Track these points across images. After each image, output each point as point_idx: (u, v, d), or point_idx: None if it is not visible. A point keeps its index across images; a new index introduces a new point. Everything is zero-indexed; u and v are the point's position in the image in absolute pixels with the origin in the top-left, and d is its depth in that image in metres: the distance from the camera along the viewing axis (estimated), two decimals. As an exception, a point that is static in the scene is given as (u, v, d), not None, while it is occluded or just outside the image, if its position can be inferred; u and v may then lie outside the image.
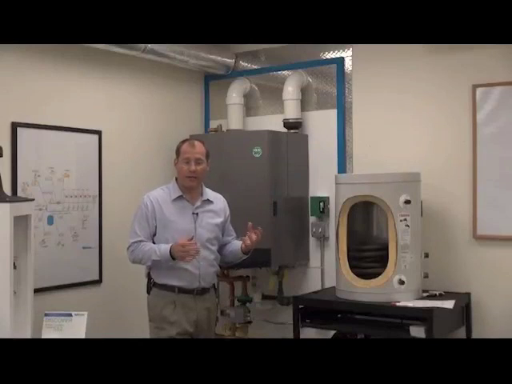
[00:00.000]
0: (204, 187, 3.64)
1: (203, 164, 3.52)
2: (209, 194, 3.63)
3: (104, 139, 4.62)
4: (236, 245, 3.62)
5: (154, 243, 3.49)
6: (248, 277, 5.01)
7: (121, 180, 4.74)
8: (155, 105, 5.06)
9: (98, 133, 4.58)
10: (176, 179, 3.60)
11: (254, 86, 5.27)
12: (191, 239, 3.35)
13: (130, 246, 3.49)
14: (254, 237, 3.50)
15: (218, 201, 3.66)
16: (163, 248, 3.40)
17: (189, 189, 3.52)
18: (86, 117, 4.53)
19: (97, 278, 4.53)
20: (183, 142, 3.61)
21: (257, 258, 4.18)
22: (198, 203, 3.55)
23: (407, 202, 4.01)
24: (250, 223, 3.52)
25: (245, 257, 3.62)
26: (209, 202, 3.59)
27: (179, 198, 3.53)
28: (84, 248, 4.45)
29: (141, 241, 3.46)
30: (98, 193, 4.55)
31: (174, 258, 3.37)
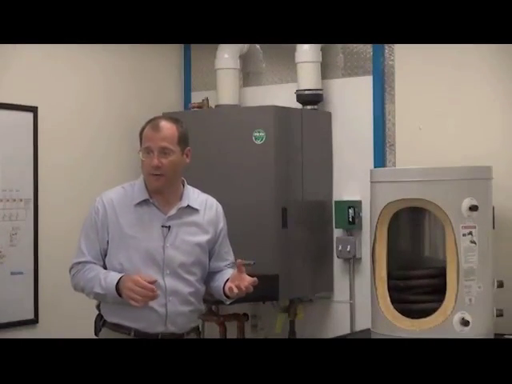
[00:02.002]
0: (187, 187, 3.53)
1: (173, 155, 3.36)
2: (193, 197, 3.51)
3: (41, 119, 4.60)
4: (225, 278, 3.48)
5: (105, 267, 3.42)
6: (246, 315, 4.99)
7: (66, 178, 4.72)
8: (117, 71, 5.04)
9: (33, 110, 4.57)
10: None
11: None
12: (153, 282, 3.23)
13: (71, 268, 3.43)
14: (242, 286, 3.32)
15: (208, 208, 3.54)
16: (110, 278, 3.30)
17: (156, 190, 3.43)
18: (16, 87, 4.51)
19: (31, 316, 4.53)
20: (147, 123, 3.47)
21: (259, 288, 4.12)
22: (173, 211, 3.40)
23: (473, 208, 4.01)
24: (239, 260, 3.38)
25: (228, 301, 3.51)
26: (191, 209, 3.47)
27: (145, 202, 3.43)
28: (13, 274, 4.44)
29: (86, 262, 3.38)
30: (32, 195, 4.54)
31: (121, 296, 3.27)
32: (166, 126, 3.37)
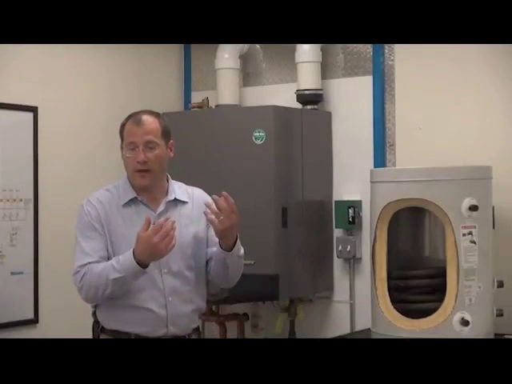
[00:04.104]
0: (171, 182, 3.41)
1: (158, 149, 3.26)
2: (179, 191, 3.42)
3: (41, 119, 4.61)
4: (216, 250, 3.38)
5: None
6: (246, 315, 4.99)
7: (66, 177, 4.73)
8: (117, 71, 5.05)
9: (33, 110, 4.58)
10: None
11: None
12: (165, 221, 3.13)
13: (76, 273, 3.22)
14: (223, 209, 3.14)
15: (196, 199, 3.46)
16: (123, 258, 3.16)
17: (143, 187, 3.34)
18: (16, 87, 4.51)
19: (31, 316, 4.54)
20: (127, 118, 3.38)
21: (259, 287, 4.13)
22: (162, 207, 3.33)
23: (473, 208, 4.01)
24: (224, 193, 3.21)
25: (231, 256, 3.29)
26: (179, 202, 3.41)
27: (133, 201, 3.31)
28: (13, 274, 4.45)
29: (92, 263, 3.22)
30: (32, 195, 4.55)
31: (143, 266, 3.15)
32: (149, 120, 3.27)
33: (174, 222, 3.13)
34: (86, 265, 3.23)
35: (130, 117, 3.31)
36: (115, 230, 3.28)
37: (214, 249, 3.41)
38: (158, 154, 3.26)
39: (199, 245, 3.40)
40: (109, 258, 3.28)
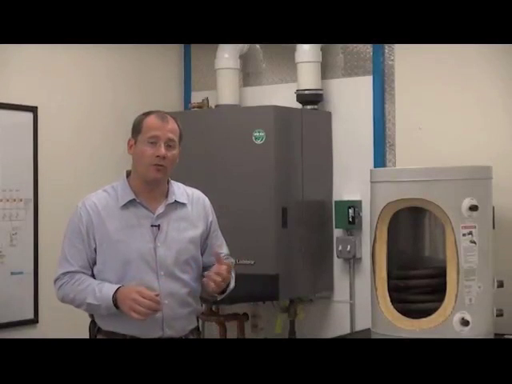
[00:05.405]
0: (172, 183, 3.39)
1: (176, 149, 3.28)
2: (179, 192, 3.39)
3: (41, 119, 4.62)
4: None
5: (93, 276, 3.30)
6: (246, 315, 5.00)
7: (65, 177, 4.74)
8: (117, 71, 5.07)
9: (33, 110, 4.58)
10: (127, 175, 3.36)
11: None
12: (157, 295, 3.15)
13: (57, 279, 3.29)
14: (221, 273, 3.20)
15: (196, 202, 3.45)
16: (106, 289, 3.19)
17: (150, 185, 3.33)
18: (15, 87, 4.52)
19: (31, 316, 4.55)
20: (146, 114, 3.31)
21: (259, 287, 4.13)
22: (161, 209, 3.30)
23: (473, 208, 4.02)
24: (214, 251, 3.32)
25: (218, 297, 3.40)
26: (179, 204, 3.38)
27: (131, 202, 3.29)
28: (13, 274, 4.46)
29: (74, 272, 3.26)
30: (32, 195, 4.56)
31: (117, 306, 3.15)
32: (172, 120, 3.31)
33: (161, 307, 3.15)
34: (67, 273, 3.28)
35: (148, 113, 3.31)
36: (111, 234, 3.26)
37: (213, 260, 3.39)
38: (175, 155, 3.28)
39: (197, 248, 3.39)
40: (93, 264, 3.29)
